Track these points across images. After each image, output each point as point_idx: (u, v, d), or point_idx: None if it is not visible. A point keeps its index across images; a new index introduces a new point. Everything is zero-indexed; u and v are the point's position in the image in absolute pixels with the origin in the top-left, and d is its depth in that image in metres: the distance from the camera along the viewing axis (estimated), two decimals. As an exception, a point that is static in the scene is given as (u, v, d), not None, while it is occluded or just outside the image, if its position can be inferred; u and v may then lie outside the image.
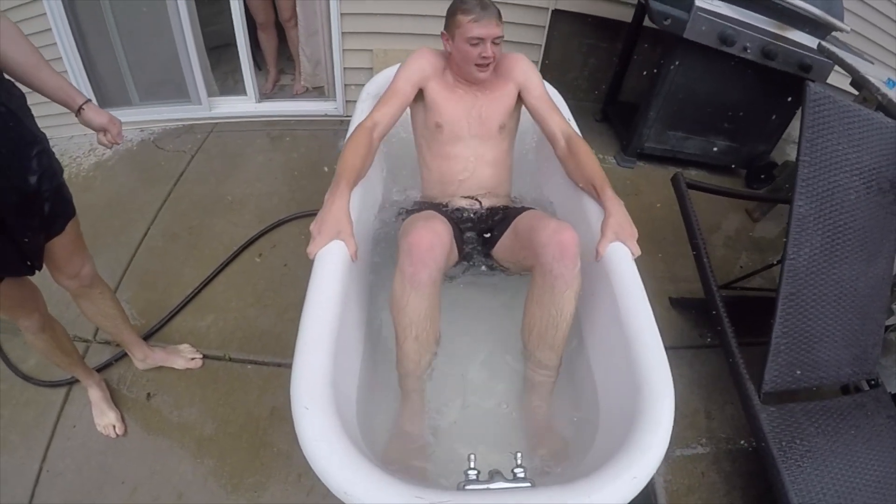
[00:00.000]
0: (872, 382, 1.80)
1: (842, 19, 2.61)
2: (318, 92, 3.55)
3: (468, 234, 1.79)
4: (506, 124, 1.81)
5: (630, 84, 3.36)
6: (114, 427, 1.80)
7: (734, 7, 2.53)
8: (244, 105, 3.39)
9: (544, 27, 3.19)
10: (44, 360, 1.92)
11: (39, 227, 1.32)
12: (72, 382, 1.92)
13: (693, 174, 3.11)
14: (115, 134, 1.43)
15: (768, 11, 2.56)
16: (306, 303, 1.26)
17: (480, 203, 1.85)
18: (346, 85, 3.31)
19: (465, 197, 1.85)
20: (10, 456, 1.75)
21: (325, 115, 3.42)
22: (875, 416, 1.71)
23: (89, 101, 1.38)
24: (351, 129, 1.76)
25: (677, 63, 2.69)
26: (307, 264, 1.36)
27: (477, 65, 1.67)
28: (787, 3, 2.49)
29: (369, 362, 1.55)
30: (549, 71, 3.31)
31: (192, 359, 2.00)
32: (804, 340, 1.60)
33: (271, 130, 3.32)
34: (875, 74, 2.19)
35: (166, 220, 2.61)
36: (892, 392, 1.84)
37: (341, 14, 3.02)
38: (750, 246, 2.72)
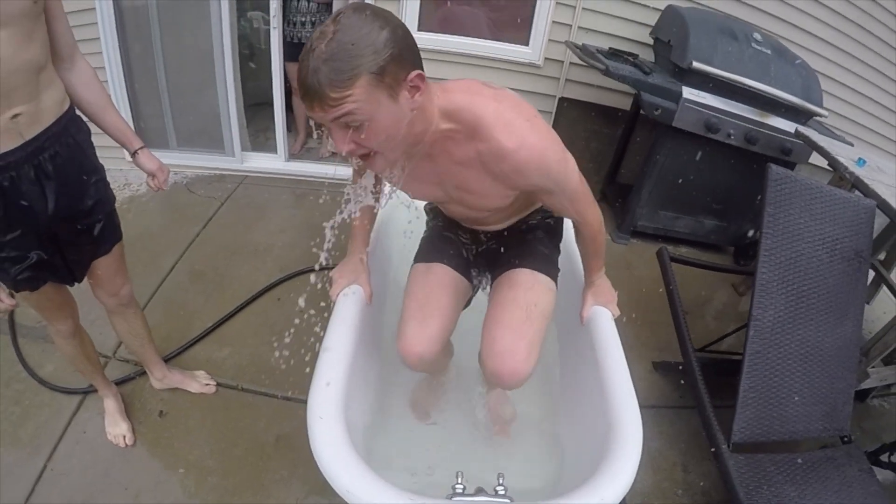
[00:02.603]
0: (845, 439, 1.91)
1: (821, 104, 2.88)
2: (341, 158, 3.81)
3: (474, 269, 1.68)
4: (501, 207, 1.38)
5: (628, 166, 3.61)
6: (124, 437, 1.89)
7: (718, 98, 2.81)
8: (273, 162, 3.68)
9: (552, 113, 3.49)
10: (62, 368, 2.07)
11: (88, 245, 1.50)
12: (87, 392, 2.04)
13: (684, 251, 3.32)
14: (161, 180, 1.65)
15: (750, 100, 2.83)
16: (327, 331, 1.46)
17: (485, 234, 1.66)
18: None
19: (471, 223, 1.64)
20: (16, 450, 1.84)
21: (347, 181, 3.64)
22: (846, 468, 1.81)
23: (144, 146, 1.60)
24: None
25: (667, 148, 2.95)
26: (323, 312, 1.56)
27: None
28: (767, 92, 2.77)
29: (381, 386, 1.73)
30: (553, 153, 3.56)
31: (207, 384, 2.12)
32: (772, 395, 1.75)
33: (296, 188, 3.57)
34: (848, 155, 2.43)
35: (193, 259, 2.80)
36: (871, 450, 1.96)
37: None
38: (736, 318, 2.86)
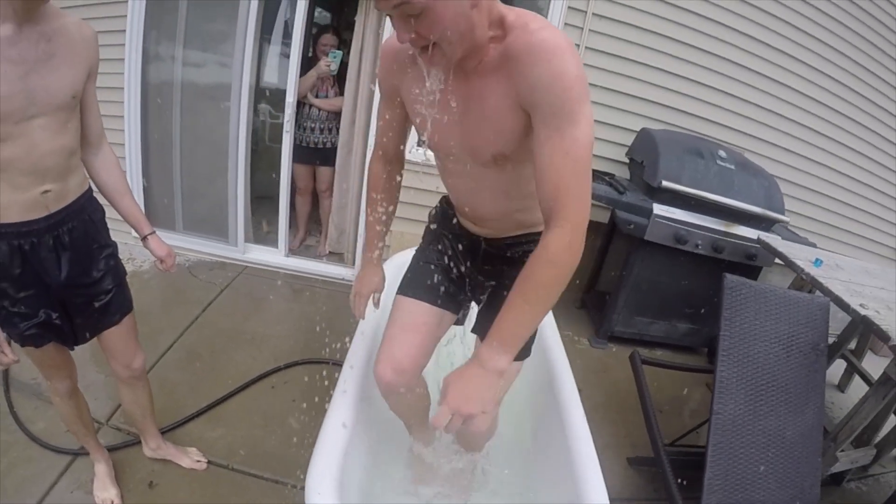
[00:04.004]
0: (817, 521, 2.01)
1: (783, 210, 3.16)
2: (339, 258, 4.03)
3: (461, 294, 1.63)
4: (508, 154, 1.21)
5: (606, 276, 3.83)
6: (112, 502, 1.91)
7: (687, 212, 3.08)
8: (274, 256, 3.88)
9: None
10: (53, 427, 2.13)
11: (95, 313, 1.63)
12: (77, 454, 2.07)
13: (659, 353, 3.47)
14: (169, 265, 1.83)
15: (716, 213, 3.10)
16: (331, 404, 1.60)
17: (483, 240, 1.54)
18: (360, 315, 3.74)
19: (468, 220, 1.55)
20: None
21: (343, 280, 3.84)
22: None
23: (154, 232, 1.79)
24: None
25: (641, 259, 3.19)
26: (315, 402, 1.71)
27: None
28: (731, 205, 3.05)
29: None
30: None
31: (198, 461, 2.16)
32: (737, 482, 1.87)
33: (294, 283, 3.75)
34: (807, 256, 2.69)
35: (191, 340, 2.91)
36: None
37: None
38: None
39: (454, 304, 1.61)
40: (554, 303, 1.11)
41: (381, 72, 1.38)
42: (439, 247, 1.62)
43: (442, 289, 1.57)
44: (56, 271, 1.49)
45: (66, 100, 1.37)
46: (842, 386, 3.54)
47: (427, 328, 1.55)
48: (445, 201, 1.66)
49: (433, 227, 1.69)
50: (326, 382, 1.97)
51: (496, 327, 1.11)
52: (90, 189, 1.60)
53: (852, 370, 3.32)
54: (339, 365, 1.76)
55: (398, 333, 1.55)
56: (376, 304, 1.78)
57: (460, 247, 1.60)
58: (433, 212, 1.72)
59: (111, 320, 1.68)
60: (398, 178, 1.63)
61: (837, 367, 3.46)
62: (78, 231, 1.52)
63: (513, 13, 1.10)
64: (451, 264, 1.60)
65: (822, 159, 3.87)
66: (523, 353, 1.55)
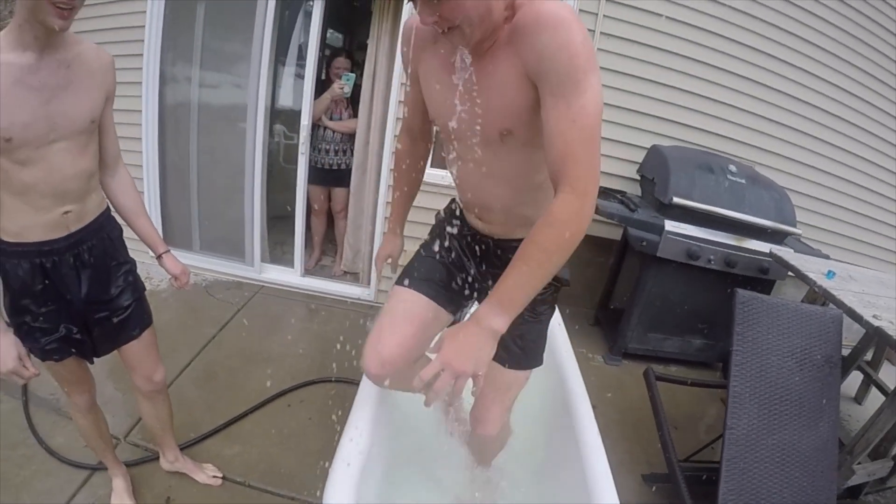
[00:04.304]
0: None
1: (794, 223, 3.16)
2: (354, 277, 4.07)
3: (463, 297, 1.61)
4: (513, 131, 1.20)
5: (620, 293, 3.82)
6: None
7: (698, 227, 3.09)
8: (290, 276, 3.93)
9: None
10: (72, 442, 2.17)
11: (114, 328, 1.69)
12: (95, 469, 2.11)
13: (674, 370, 3.46)
14: (183, 282, 1.89)
15: (728, 227, 3.10)
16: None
17: (485, 236, 1.51)
18: (379, 276, 3.79)
19: (473, 216, 1.51)
20: (17, 510, 1.90)
21: (358, 299, 3.88)
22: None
23: (169, 250, 1.85)
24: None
25: (653, 276, 3.20)
26: (330, 420, 1.80)
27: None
28: (743, 220, 3.05)
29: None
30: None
31: (214, 476, 2.19)
32: (751, 496, 1.86)
33: (310, 302, 3.79)
34: (819, 269, 2.68)
35: (209, 359, 2.95)
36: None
37: (385, 217, 3.58)
38: (728, 432, 2.97)
39: (452, 302, 1.58)
40: (556, 268, 1.09)
41: (403, 48, 1.41)
42: (445, 244, 1.60)
43: (441, 284, 1.56)
44: (76, 288, 1.56)
45: (85, 124, 1.45)
46: (859, 398, 3.50)
47: (420, 321, 1.52)
48: (454, 202, 1.65)
49: (440, 224, 1.67)
50: (342, 401, 2.00)
51: (496, 288, 1.10)
52: (108, 209, 1.67)
53: (869, 382, 3.28)
54: (355, 384, 1.78)
55: (388, 323, 1.51)
56: (393, 269, 1.85)
57: (466, 247, 1.57)
58: (441, 211, 1.71)
59: (131, 334, 1.73)
60: (423, 156, 1.70)
61: (854, 379, 3.41)
62: (97, 249, 1.59)
63: None
64: (454, 262, 1.58)
65: (833, 169, 3.86)
66: (535, 361, 1.58)
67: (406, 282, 1.56)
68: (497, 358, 1.39)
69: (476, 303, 1.65)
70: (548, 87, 1.05)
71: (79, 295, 1.57)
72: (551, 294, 1.52)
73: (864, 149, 3.88)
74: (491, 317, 1.09)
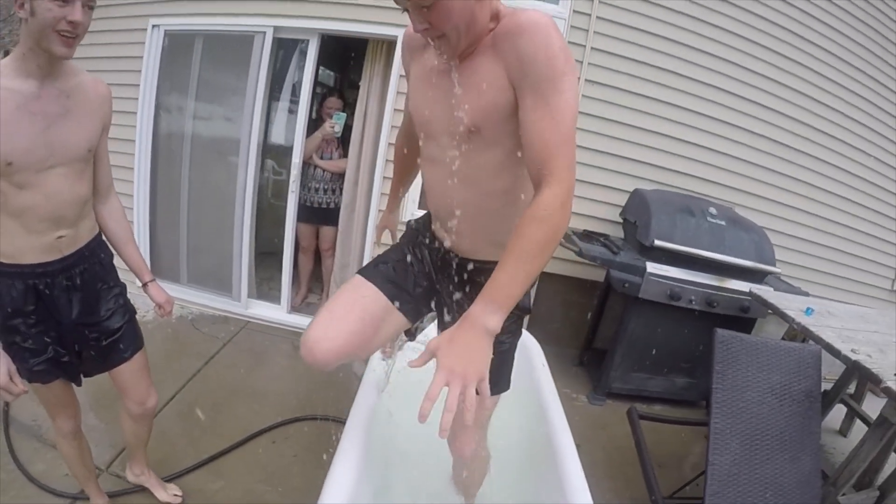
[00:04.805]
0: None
1: (773, 262, 3.24)
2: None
3: (423, 306, 1.59)
4: (480, 128, 1.24)
5: (603, 333, 3.87)
6: None
7: (680, 269, 3.15)
8: (276, 313, 3.93)
9: (533, 286, 3.80)
10: (53, 470, 2.16)
11: (104, 350, 1.72)
12: (76, 498, 2.09)
13: (658, 409, 3.48)
14: (167, 311, 1.94)
15: (708, 268, 3.17)
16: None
17: (452, 253, 1.50)
18: (379, 244, 3.82)
19: (440, 226, 1.51)
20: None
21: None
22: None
23: (154, 279, 1.91)
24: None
25: (636, 316, 3.25)
26: (315, 458, 1.86)
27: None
28: (723, 261, 3.13)
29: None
30: (536, 323, 3.83)
31: (175, 495, 2.20)
32: (735, 531, 1.89)
33: (296, 339, 3.75)
34: (798, 306, 2.75)
35: (194, 392, 2.94)
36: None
37: (373, 256, 3.65)
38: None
39: (410, 308, 1.55)
40: (545, 261, 1.09)
41: (403, 54, 1.50)
42: (413, 251, 1.61)
43: (401, 287, 1.54)
44: (68, 310, 1.60)
45: (82, 152, 1.52)
46: (843, 431, 3.54)
47: (371, 318, 1.46)
48: (427, 216, 1.64)
49: (412, 233, 1.67)
50: (328, 438, 2.00)
51: (488, 287, 1.08)
52: (100, 234, 1.73)
53: (853, 414, 3.33)
54: (341, 422, 1.80)
55: (334, 309, 1.46)
56: (393, 238, 1.94)
57: (432, 261, 1.58)
58: (413, 221, 1.71)
59: (122, 356, 1.77)
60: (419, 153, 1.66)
61: (838, 412, 3.46)
62: (89, 273, 1.64)
63: (503, 6, 1.22)
64: (419, 270, 1.58)
65: (810, 208, 3.99)
66: (501, 387, 1.58)
67: (365, 273, 1.55)
68: None
69: (436, 315, 1.64)
70: (528, 87, 1.10)
71: (69, 317, 1.61)
72: (514, 322, 1.52)
73: (840, 186, 4.02)
74: (485, 316, 1.06)
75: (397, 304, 1.51)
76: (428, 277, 1.58)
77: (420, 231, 1.63)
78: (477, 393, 1.03)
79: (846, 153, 3.97)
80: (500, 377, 1.56)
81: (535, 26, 1.08)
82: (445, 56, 1.23)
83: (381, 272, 1.55)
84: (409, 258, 1.59)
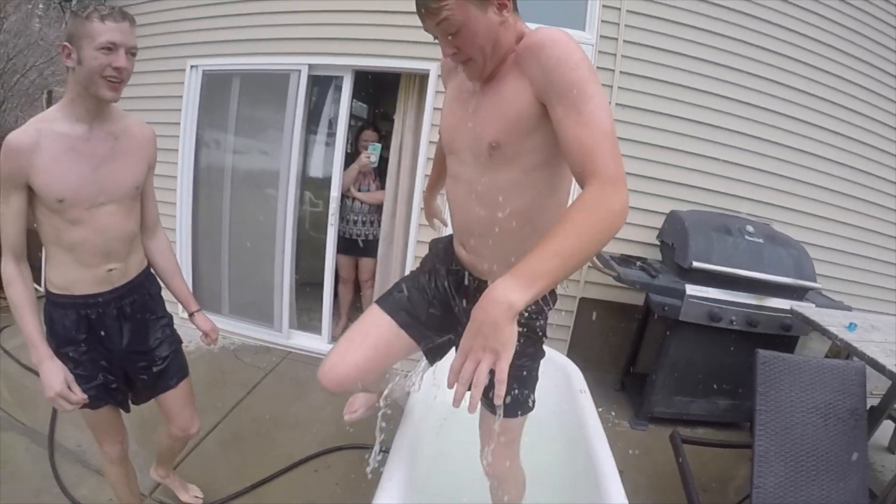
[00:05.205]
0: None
1: (814, 277, 3.17)
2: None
3: (434, 332, 1.62)
4: (501, 144, 1.26)
5: (644, 357, 3.81)
6: None
7: (719, 290, 3.11)
8: (317, 343, 3.99)
9: (572, 312, 3.79)
10: (96, 494, 2.23)
11: (152, 377, 1.81)
12: None
13: (701, 432, 3.40)
14: (213, 339, 2.02)
15: (748, 287, 3.12)
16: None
17: (470, 274, 1.52)
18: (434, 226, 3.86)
19: (461, 245, 1.54)
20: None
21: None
22: None
23: (200, 309, 2.00)
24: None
25: (677, 339, 3.20)
26: (355, 488, 1.98)
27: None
28: (762, 279, 3.08)
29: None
30: (576, 348, 3.80)
31: (196, 497, 2.30)
32: (784, 557, 1.83)
33: (338, 367, 3.82)
34: (841, 322, 2.68)
35: (236, 422, 3.00)
36: None
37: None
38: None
39: (425, 333, 1.61)
40: (583, 248, 0.96)
41: (442, 78, 1.57)
42: (433, 274, 1.65)
43: (416, 314, 1.60)
44: (119, 338, 1.69)
45: (130, 190, 1.63)
46: (892, 448, 3.39)
47: (383, 343, 1.57)
48: (450, 237, 1.67)
49: (433, 254, 1.71)
50: (370, 467, 2.01)
51: (517, 265, 0.95)
52: (148, 267, 1.83)
53: None
54: (383, 451, 1.83)
55: (351, 340, 1.57)
56: (444, 224, 2.04)
57: (453, 283, 1.60)
58: (437, 241, 1.75)
59: (168, 384, 1.85)
60: None
61: (886, 429, 3.32)
62: (138, 304, 1.74)
63: (527, 27, 1.28)
64: (437, 294, 1.62)
65: (848, 219, 3.90)
66: (523, 409, 1.60)
67: (382, 303, 1.63)
68: (486, 406, 1.52)
69: (454, 338, 1.65)
70: (555, 96, 1.11)
71: (120, 345, 1.70)
72: (531, 346, 1.54)
73: (876, 194, 3.93)
74: (507, 290, 0.92)
75: (410, 330, 1.58)
76: (444, 300, 1.61)
77: (441, 252, 1.67)
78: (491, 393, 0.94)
79: (880, 160, 3.89)
80: (521, 400, 1.59)
81: (554, 41, 1.12)
82: (474, 78, 1.30)
83: (396, 300, 1.62)
84: (425, 281, 1.65)
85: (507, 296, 0.92)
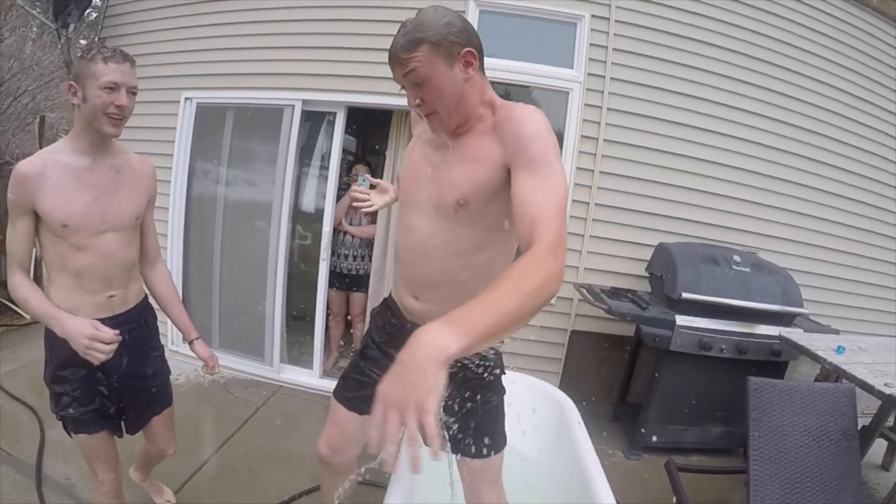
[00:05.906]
0: None
1: (801, 303, 3.24)
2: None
3: None
4: (469, 202, 1.32)
5: (636, 387, 3.82)
6: None
7: (708, 319, 3.16)
8: (308, 378, 3.96)
9: (564, 345, 3.80)
10: None
11: (143, 404, 1.88)
12: None
13: (695, 459, 3.40)
14: (212, 367, 2.05)
15: (737, 316, 3.18)
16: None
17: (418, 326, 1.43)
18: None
19: (409, 295, 1.55)
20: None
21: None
22: None
23: (199, 337, 2.04)
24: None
25: (668, 369, 3.24)
26: None
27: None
28: (750, 307, 3.14)
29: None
30: (568, 379, 3.81)
31: (168, 501, 2.36)
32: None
33: (328, 404, 3.73)
34: (829, 346, 2.74)
35: (227, 456, 2.96)
36: None
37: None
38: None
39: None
40: (522, 305, 0.92)
41: (411, 121, 1.67)
42: (372, 341, 1.74)
43: (361, 396, 1.70)
44: (118, 363, 1.73)
45: (131, 220, 1.71)
46: (886, 465, 3.43)
47: (351, 431, 1.75)
48: (390, 296, 1.72)
49: (373, 320, 1.79)
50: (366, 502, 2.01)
51: (454, 312, 0.89)
52: (146, 298, 1.90)
53: (894, 448, 3.28)
54: (379, 486, 1.86)
55: (329, 422, 1.81)
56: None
57: (395, 341, 1.59)
58: (376, 307, 1.81)
59: (155, 410, 1.93)
60: None
61: (879, 447, 3.37)
62: (136, 332, 1.80)
63: (501, 101, 1.36)
64: (378, 362, 1.68)
65: (832, 244, 4.00)
66: (498, 446, 1.64)
67: (338, 396, 1.79)
68: (463, 452, 1.58)
69: None
70: (524, 163, 1.18)
71: (119, 369, 1.74)
72: (495, 380, 1.62)
73: (860, 219, 4.04)
74: (440, 334, 0.84)
75: (365, 409, 1.65)
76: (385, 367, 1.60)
77: (381, 313, 1.75)
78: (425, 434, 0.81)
79: (861, 185, 4.02)
80: (494, 434, 1.63)
81: (530, 116, 1.23)
82: (439, 131, 1.38)
83: (347, 388, 1.76)
84: (365, 366, 1.72)
85: (440, 339, 0.83)
